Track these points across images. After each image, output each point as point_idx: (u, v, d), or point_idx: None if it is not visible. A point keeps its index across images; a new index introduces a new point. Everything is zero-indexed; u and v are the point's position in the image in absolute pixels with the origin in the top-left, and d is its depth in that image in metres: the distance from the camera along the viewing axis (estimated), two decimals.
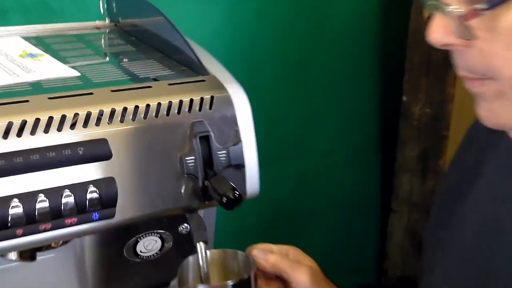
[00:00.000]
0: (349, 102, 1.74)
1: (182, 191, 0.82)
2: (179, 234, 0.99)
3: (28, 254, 0.83)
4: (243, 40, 1.52)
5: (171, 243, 1.02)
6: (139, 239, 0.98)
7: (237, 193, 0.79)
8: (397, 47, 1.72)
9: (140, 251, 0.99)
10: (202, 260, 0.82)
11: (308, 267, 0.85)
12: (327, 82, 1.67)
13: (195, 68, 0.91)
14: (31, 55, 0.92)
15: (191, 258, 0.85)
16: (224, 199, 0.79)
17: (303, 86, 1.63)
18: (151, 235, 0.99)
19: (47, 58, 0.92)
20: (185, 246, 0.95)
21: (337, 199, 1.81)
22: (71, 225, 0.76)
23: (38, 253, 0.87)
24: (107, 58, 1.00)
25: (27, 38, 1.03)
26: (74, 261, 1.01)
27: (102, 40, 1.14)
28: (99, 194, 0.77)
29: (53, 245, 0.86)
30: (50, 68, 0.88)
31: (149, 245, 1.00)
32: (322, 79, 1.66)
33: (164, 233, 1.00)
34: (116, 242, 0.97)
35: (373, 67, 1.77)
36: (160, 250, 1.01)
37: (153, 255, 1.01)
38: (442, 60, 1.64)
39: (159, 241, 1.00)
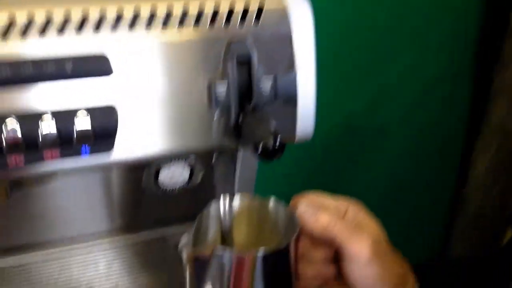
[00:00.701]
0: (445, 13, 1.47)
1: (208, 127, 0.63)
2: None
3: (2, 191, 0.65)
4: None
5: (202, 174, 0.83)
6: (161, 167, 0.79)
7: (279, 142, 0.58)
8: None
9: (162, 182, 0.81)
10: (225, 217, 0.62)
11: (370, 235, 0.63)
12: None
13: None
14: None
15: (212, 209, 0.65)
16: (260, 148, 0.58)
17: None
18: (177, 162, 0.80)
19: None
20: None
21: (416, 119, 1.58)
22: (52, 158, 0.57)
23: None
24: None
25: None
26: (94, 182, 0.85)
27: None
28: (92, 122, 0.57)
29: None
30: None
31: (173, 175, 0.81)
32: None
33: (194, 161, 0.81)
34: (133, 168, 0.78)
35: None
36: (187, 182, 0.82)
37: (177, 188, 0.82)
38: None
39: (186, 171, 0.81)
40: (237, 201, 0.66)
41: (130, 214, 0.89)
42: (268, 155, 0.58)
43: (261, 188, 0.85)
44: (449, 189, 1.78)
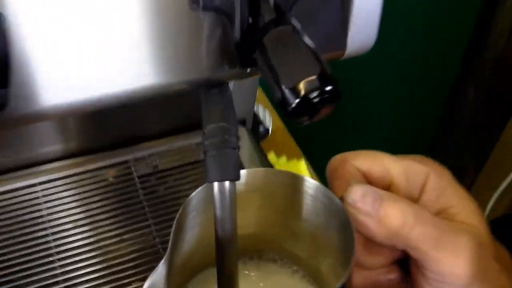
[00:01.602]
0: None
1: (192, 48, 0.34)
2: None
3: None
4: None
5: None
6: None
7: (331, 88, 0.29)
8: None
9: None
10: (222, 205, 0.33)
11: (470, 241, 0.34)
12: None
13: None
14: None
15: (194, 200, 0.36)
16: (295, 102, 0.29)
17: None
18: None
19: None
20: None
21: None
22: None
23: None
24: None
25: None
26: None
27: None
28: None
29: None
30: None
31: None
32: None
33: None
34: None
35: None
36: None
37: None
38: None
39: None
40: (245, 176, 0.36)
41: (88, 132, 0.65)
42: (309, 110, 0.30)
43: None
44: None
